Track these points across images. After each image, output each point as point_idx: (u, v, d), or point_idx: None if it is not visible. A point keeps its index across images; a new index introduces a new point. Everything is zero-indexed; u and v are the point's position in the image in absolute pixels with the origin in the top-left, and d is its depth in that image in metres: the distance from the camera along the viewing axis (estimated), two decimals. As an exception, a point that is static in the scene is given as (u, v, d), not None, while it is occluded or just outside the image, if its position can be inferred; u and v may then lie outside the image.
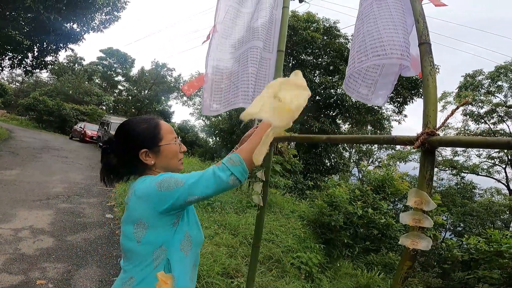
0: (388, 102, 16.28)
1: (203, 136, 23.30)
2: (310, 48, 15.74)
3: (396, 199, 8.54)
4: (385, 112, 16.87)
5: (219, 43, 1.60)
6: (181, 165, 1.11)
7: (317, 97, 15.60)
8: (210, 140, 22.27)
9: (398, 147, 22.24)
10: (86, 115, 24.79)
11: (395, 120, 17.08)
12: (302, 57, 16.16)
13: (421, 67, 0.87)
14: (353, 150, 19.77)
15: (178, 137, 1.11)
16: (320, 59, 16.31)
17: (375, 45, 0.95)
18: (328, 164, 15.13)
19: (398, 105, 15.86)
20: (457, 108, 0.73)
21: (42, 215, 4.29)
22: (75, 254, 3.29)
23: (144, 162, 1.02)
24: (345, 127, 18.03)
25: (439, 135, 0.69)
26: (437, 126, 0.72)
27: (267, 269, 3.78)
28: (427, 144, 0.68)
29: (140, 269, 0.94)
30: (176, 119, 41.89)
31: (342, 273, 5.19)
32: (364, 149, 19.79)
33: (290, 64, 16.17)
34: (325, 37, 15.61)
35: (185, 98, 32.17)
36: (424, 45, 0.90)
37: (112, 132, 13.54)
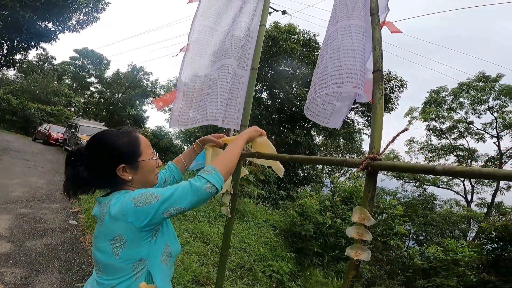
0: (359, 116, 17.07)
1: (178, 143, 22.88)
2: (289, 59, 16.15)
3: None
4: (357, 126, 17.63)
5: (192, 61, 1.66)
6: (157, 179, 1.10)
7: (294, 109, 15.97)
8: (185, 147, 21.93)
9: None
10: (53, 116, 23.49)
11: (365, 133, 17.89)
12: (281, 68, 16.53)
13: (372, 94, 0.99)
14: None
15: (155, 152, 1.09)
16: (298, 71, 16.76)
17: (335, 73, 1.07)
18: (302, 175, 15.44)
19: (369, 119, 16.63)
20: (398, 135, 0.85)
21: (-1, 221, 4.02)
22: (34, 260, 3.18)
23: (121, 177, 0.98)
24: (319, 138, 18.58)
25: (381, 159, 0.80)
26: (380, 152, 0.83)
27: (239, 277, 3.81)
28: (370, 168, 0.78)
29: (119, 281, 0.93)
30: (151, 124, 40.74)
31: (313, 281, 5.32)
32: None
33: (269, 74, 16.46)
34: (304, 49, 16.08)
35: (161, 104, 31.45)
36: (377, 72, 1.02)
37: (81, 136, 12.94)
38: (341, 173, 22.28)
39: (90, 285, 1.01)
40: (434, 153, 21.12)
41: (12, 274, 2.79)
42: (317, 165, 16.79)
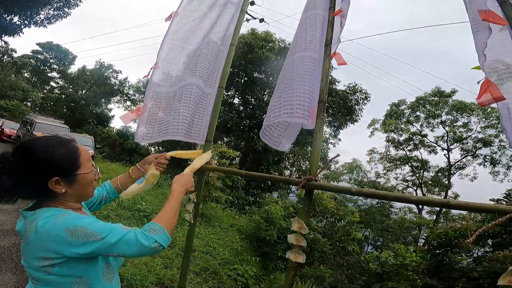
0: (326, 125, 17.84)
1: (144, 144, 22.14)
2: (264, 67, 16.40)
3: (328, 216, 9.35)
4: (324, 135, 18.39)
5: (161, 79, 1.77)
6: (93, 192, 1.05)
7: (264, 116, 16.22)
8: (152, 148, 21.29)
9: (333, 168, 24.36)
10: (7, 111, 21.64)
11: (330, 143, 18.70)
12: (255, 75, 16.73)
13: (315, 123, 1.18)
14: (294, 169, 20.96)
15: (95, 165, 1.03)
16: (271, 78, 17.10)
17: (287, 103, 1.25)
18: (269, 182, 15.73)
19: (334, 129, 17.43)
20: (331, 160, 1.05)
21: None
22: None
23: (53, 191, 0.91)
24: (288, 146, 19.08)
25: (316, 180, 0.99)
26: (316, 173, 1.02)
27: (204, 280, 3.87)
28: (307, 187, 0.97)
29: None
30: (116, 124, 38.91)
31: (277, 285, 5.49)
32: (303, 168, 21.12)
33: (242, 80, 16.61)
34: (279, 57, 16.44)
35: (128, 103, 30.31)
36: (321, 103, 1.20)
37: (36, 133, 12.08)
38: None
39: None
40: (392, 163, 22.59)
41: None
42: (284, 172, 17.22)
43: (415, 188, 21.54)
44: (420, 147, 21.25)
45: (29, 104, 26.63)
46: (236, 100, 17.36)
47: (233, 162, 12.84)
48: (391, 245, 15.95)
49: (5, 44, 13.12)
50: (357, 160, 24.59)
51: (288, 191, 15.19)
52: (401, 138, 21.47)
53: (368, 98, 16.04)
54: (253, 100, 16.52)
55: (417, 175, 21.17)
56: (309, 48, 1.38)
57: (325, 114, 1.20)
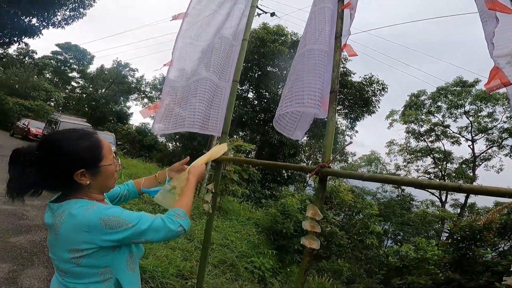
0: (342, 117, 17.55)
1: (162, 140, 22.68)
2: (277, 60, 16.33)
3: (345, 209, 9.26)
4: (340, 127, 18.13)
5: (176, 75, 1.83)
6: (114, 183, 1.08)
7: (279, 109, 16.20)
8: (170, 144, 21.77)
9: (350, 160, 23.96)
10: (32, 111, 22.69)
11: (347, 135, 18.41)
12: (268, 69, 16.70)
13: (327, 113, 1.19)
14: (310, 162, 20.83)
15: (115, 156, 1.06)
16: (285, 72, 17.00)
17: (298, 93, 1.27)
18: (285, 175, 15.74)
19: (351, 121, 17.12)
20: (344, 147, 1.05)
21: (-20, 218, 4.02)
22: (20, 255, 3.24)
23: (78, 182, 0.94)
24: (303, 139, 18.96)
25: (329, 167, 1.00)
26: (330, 160, 1.03)
27: (221, 272, 3.96)
28: (320, 174, 0.98)
29: (87, 286, 0.93)
30: (134, 121, 40.01)
31: (294, 278, 5.52)
32: (320, 161, 20.92)
33: (256, 74, 16.61)
34: (292, 51, 16.31)
35: (146, 100, 31.03)
36: (333, 93, 1.21)
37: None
38: (324, 173, 22.70)
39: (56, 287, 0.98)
40: (412, 155, 21.94)
41: None
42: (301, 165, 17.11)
43: (437, 181, 20.82)
44: (442, 138, 20.53)
45: (52, 104, 27.79)
46: (250, 95, 17.40)
47: (249, 155, 12.90)
48: (412, 239, 15.63)
49: (25, 45, 13.65)
50: (376, 152, 24.00)
51: (305, 184, 15.14)
52: (422, 129, 20.81)
53: (386, 89, 15.71)
54: (267, 94, 16.49)
55: (440, 167, 20.47)
56: (319, 41, 1.41)
57: (337, 104, 1.20)
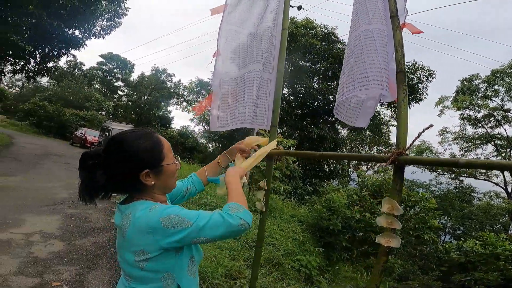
0: (385, 107, 16.55)
1: (203, 141, 23.48)
2: (309, 54, 16.00)
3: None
4: (383, 117, 17.11)
5: (223, 65, 1.79)
6: (176, 183, 1.07)
7: (316, 103, 15.82)
8: (210, 145, 22.45)
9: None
10: (86, 120, 24.97)
11: (392, 125, 17.32)
12: (301, 63, 16.41)
13: (397, 94, 1.05)
14: (352, 155, 20.01)
15: (176, 155, 1.05)
16: (318, 65, 16.57)
17: (361, 75, 1.14)
18: (327, 169, 15.31)
19: (395, 110, 16.08)
20: (423, 131, 0.91)
21: (50, 220, 4.44)
22: (85, 258, 3.44)
23: (143, 183, 0.94)
24: (344, 132, 18.26)
25: (407, 154, 0.86)
26: (406, 147, 0.90)
27: (268, 272, 3.92)
28: (397, 162, 0.85)
29: None
30: (176, 124, 42.02)
31: (341, 276, 5.31)
32: (363, 154, 20.01)
33: (289, 70, 16.42)
34: (324, 43, 15.88)
35: (185, 104, 32.38)
36: (400, 73, 1.08)
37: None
38: (368, 167, 21.75)
39: None
40: (470, 143, 20.01)
41: (67, 271, 3.04)
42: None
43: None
44: (503, 123, 18.40)
45: (103, 113, 30.29)
46: (285, 91, 17.22)
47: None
48: (474, 233, 14.24)
49: (73, 57, 14.82)
50: (426, 142, 22.17)
51: (348, 179, 14.59)
52: (479, 115, 18.84)
53: (433, 75, 14.68)
54: (302, 88, 16.20)
55: (503, 154, 18.34)
56: (373, 21, 1.29)
57: (407, 84, 1.05)
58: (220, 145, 19.05)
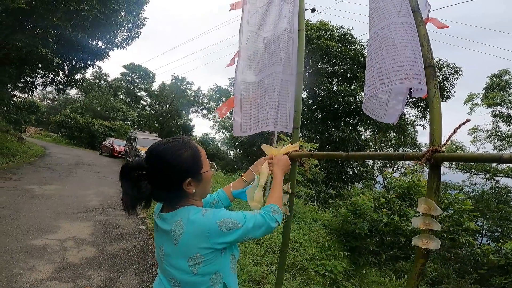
0: (410, 107, 15.94)
1: (223, 148, 23.72)
2: (326, 56, 15.81)
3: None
4: (408, 118, 16.48)
5: (244, 67, 1.79)
6: (210, 189, 1.10)
7: (336, 106, 15.54)
8: (231, 152, 22.62)
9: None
10: (113, 130, 26.01)
11: (419, 125, 16.63)
12: (319, 66, 16.23)
13: (427, 90, 1.00)
14: (376, 157, 19.40)
15: (212, 162, 1.16)
16: (336, 67, 16.32)
17: (397, 68, 1.08)
18: (351, 172, 14.93)
19: (422, 109, 15.47)
20: (459, 126, 0.85)
21: (83, 226, 4.64)
22: (115, 263, 3.54)
23: (185, 191, 0.97)
24: (366, 134, 17.77)
25: (443, 151, 0.82)
26: (442, 144, 0.85)
27: (292, 277, 3.86)
28: (432, 160, 0.80)
29: None
30: (197, 132, 42.83)
31: (369, 281, 5.12)
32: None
33: (307, 73, 16.30)
34: (340, 45, 15.65)
35: (205, 112, 32.95)
36: (429, 68, 1.02)
37: (139, 147, 14.16)
38: (394, 169, 20.92)
39: None
40: (504, 141, 18.75)
41: (99, 277, 3.15)
42: (367, 162, 16.02)
43: None
44: (541, 119, 17.09)
45: (128, 122, 31.47)
46: (304, 94, 17.10)
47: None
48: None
49: (98, 69, 15.37)
50: (457, 141, 21.00)
51: (373, 182, 14.12)
52: (512, 112, 17.64)
53: (460, 72, 14.08)
54: (321, 91, 16.00)
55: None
56: (401, 14, 1.24)
57: (436, 78, 1.00)
58: (241, 152, 19.15)
